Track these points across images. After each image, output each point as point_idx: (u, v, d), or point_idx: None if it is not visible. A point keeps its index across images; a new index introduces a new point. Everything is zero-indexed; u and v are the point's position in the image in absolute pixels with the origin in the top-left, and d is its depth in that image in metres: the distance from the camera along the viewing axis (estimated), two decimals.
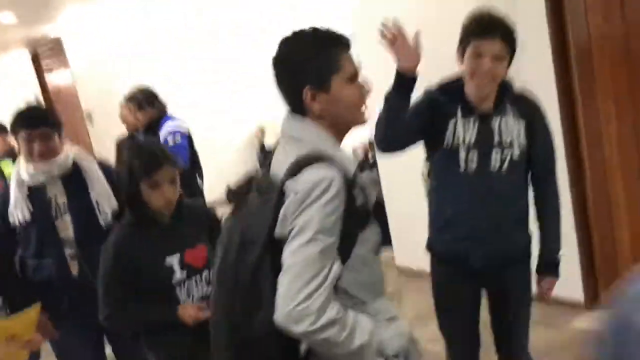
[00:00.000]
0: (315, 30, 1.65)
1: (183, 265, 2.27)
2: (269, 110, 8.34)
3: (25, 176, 2.72)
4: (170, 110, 4.57)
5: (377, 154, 5.07)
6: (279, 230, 1.54)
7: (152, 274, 2.24)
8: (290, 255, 1.50)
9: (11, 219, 2.70)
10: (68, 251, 2.73)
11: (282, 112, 1.74)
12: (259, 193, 1.66)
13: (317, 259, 1.47)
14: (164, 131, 4.32)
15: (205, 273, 2.32)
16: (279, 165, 1.63)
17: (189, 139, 4.41)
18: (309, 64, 1.62)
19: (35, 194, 2.72)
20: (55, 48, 9.51)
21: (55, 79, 10.24)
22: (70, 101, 9.71)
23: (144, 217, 2.26)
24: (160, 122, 4.39)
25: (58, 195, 2.74)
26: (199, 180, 4.52)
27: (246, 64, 8.07)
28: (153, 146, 2.33)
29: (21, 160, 2.77)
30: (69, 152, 2.79)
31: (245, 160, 8.52)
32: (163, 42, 8.15)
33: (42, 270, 2.72)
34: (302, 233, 1.49)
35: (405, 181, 4.73)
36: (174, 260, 2.26)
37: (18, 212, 2.69)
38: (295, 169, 1.54)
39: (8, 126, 2.86)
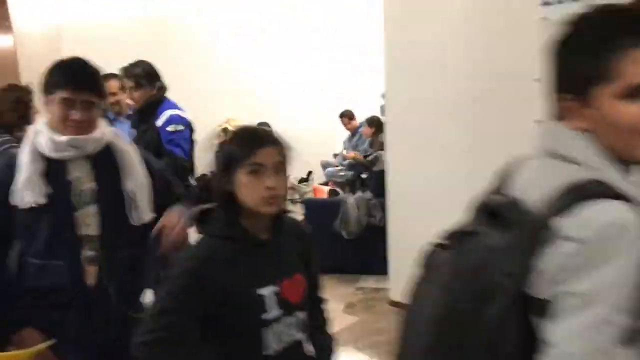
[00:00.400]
0: (594, 13, 1.13)
1: (279, 299, 1.69)
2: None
3: (45, 146, 2.06)
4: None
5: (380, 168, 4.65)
6: (537, 286, 1.06)
7: (238, 306, 1.64)
8: (567, 339, 1.01)
9: (17, 201, 2.03)
10: (86, 253, 2.08)
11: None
12: (501, 224, 1.15)
13: (609, 350, 1.00)
14: (164, 117, 3.68)
15: (301, 314, 1.75)
16: (534, 190, 1.13)
17: (191, 130, 3.78)
18: (566, 64, 1.14)
19: (53, 173, 2.07)
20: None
21: None
22: (6, 69, 8.71)
23: (237, 227, 1.67)
24: (159, 106, 3.75)
25: (83, 179, 2.10)
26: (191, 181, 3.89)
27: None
28: (255, 127, 1.75)
29: (40, 125, 2.12)
30: (104, 129, 2.16)
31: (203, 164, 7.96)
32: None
33: (48, 275, 2.06)
34: (588, 307, 1.00)
35: (415, 205, 4.33)
36: (267, 292, 1.68)
37: (27, 193, 2.02)
38: (568, 202, 1.04)
39: None
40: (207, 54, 7.59)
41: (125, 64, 7.00)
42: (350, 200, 4.94)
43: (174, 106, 3.77)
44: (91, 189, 2.10)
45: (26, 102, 3.46)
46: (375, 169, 5.09)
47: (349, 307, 4.59)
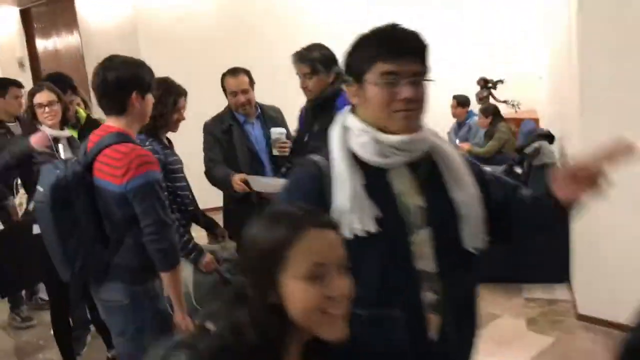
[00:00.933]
0: None
1: None
2: None
3: (365, 149, 1.51)
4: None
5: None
6: None
7: None
8: None
9: (342, 228, 1.44)
10: (427, 296, 1.50)
11: None
12: None
13: None
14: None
15: None
16: None
17: None
18: None
19: (375, 186, 1.50)
20: (66, 2, 8.01)
21: (56, 41, 8.69)
22: (74, 69, 8.22)
23: None
24: (337, 98, 3.16)
25: (408, 193, 1.52)
26: None
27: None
28: None
29: (349, 119, 1.55)
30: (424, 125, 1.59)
31: None
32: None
33: (382, 331, 1.48)
34: None
35: (614, 206, 3.72)
36: None
37: (355, 217, 1.44)
38: None
39: None
40: (298, 42, 7.01)
41: (208, 57, 6.54)
42: None
43: None
44: (419, 206, 1.52)
45: (169, 102, 2.87)
46: (535, 162, 4.46)
47: (533, 324, 3.96)
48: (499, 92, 7.25)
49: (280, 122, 3.64)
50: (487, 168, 4.78)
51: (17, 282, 3.91)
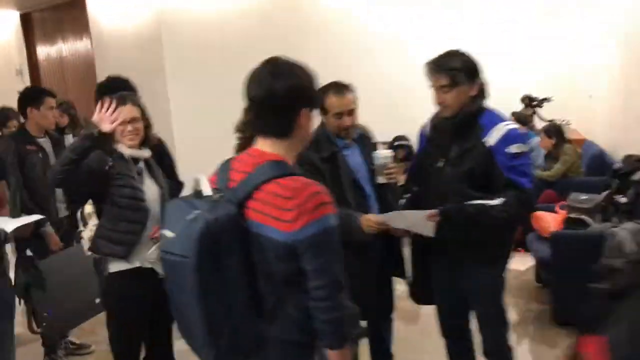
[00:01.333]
0: None
1: None
2: None
3: None
4: None
5: None
6: None
7: None
8: None
9: None
10: None
11: None
12: None
13: None
14: (497, 132, 2.55)
15: None
16: None
17: None
18: None
19: None
20: (76, 6, 7.39)
21: (62, 48, 8.03)
22: (85, 76, 7.59)
23: None
24: (481, 114, 2.62)
25: None
26: None
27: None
28: None
29: None
30: None
31: None
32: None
33: None
34: None
35: None
36: None
37: None
38: None
39: None
40: (332, 54, 6.43)
41: (242, 67, 5.97)
42: (623, 233, 3.79)
43: (500, 116, 2.63)
44: None
45: None
46: None
47: None
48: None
49: (372, 142, 3.07)
50: (583, 195, 4.20)
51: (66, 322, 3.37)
